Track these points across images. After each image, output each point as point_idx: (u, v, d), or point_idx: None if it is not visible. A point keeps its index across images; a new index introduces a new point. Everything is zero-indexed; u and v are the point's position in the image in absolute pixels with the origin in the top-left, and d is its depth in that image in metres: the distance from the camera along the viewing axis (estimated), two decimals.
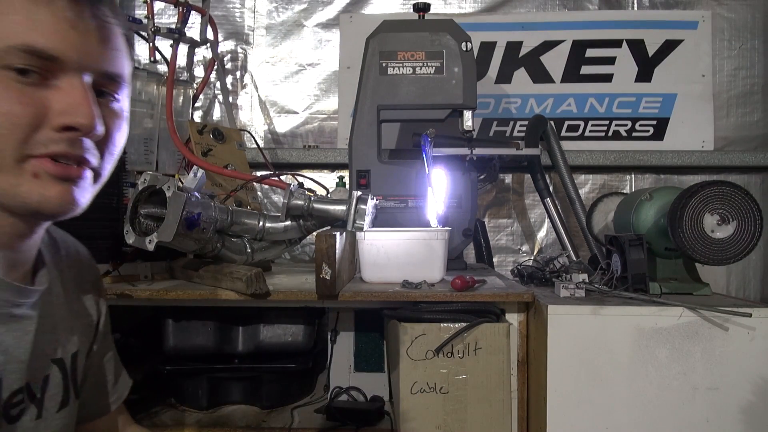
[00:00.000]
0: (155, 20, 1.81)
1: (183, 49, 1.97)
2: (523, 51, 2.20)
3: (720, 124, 2.18)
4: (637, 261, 1.25)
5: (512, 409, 1.23)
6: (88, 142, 0.57)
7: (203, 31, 2.00)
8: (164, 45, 1.88)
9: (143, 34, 1.81)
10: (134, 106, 1.62)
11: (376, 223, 1.37)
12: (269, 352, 1.39)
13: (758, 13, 2.20)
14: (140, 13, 1.86)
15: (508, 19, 2.22)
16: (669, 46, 2.18)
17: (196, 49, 2.07)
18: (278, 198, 2.21)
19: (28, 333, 0.61)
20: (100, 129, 0.57)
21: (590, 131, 2.19)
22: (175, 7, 1.91)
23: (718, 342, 1.08)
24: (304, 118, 2.26)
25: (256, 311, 1.37)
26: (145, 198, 1.18)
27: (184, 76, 2.03)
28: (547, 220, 2.13)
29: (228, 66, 2.27)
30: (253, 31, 2.27)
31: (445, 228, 1.39)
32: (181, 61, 2.01)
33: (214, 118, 2.26)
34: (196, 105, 2.16)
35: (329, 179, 2.12)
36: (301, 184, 1.43)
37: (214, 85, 2.24)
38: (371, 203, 1.32)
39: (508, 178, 2.22)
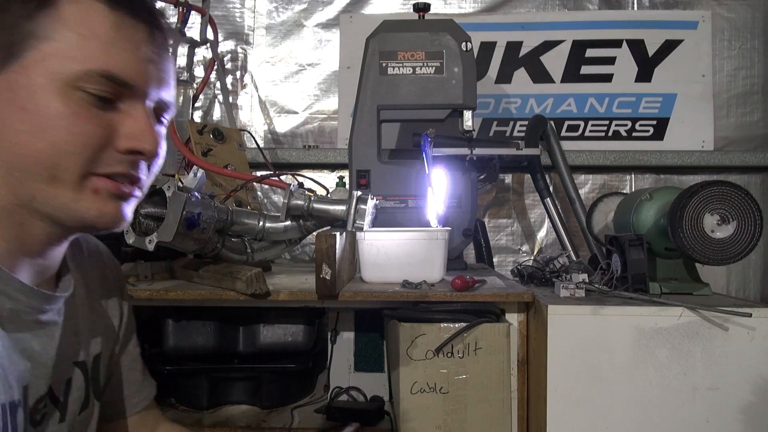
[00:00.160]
0: None
1: (183, 49, 1.97)
2: (523, 51, 2.20)
3: (720, 124, 2.18)
4: (637, 261, 1.25)
5: (512, 409, 1.23)
6: (143, 164, 0.60)
7: (203, 31, 2.00)
8: None
9: None
10: None
11: (376, 223, 1.37)
12: (269, 352, 1.39)
13: (758, 13, 2.19)
14: None
15: (508, 19, 2.22)
16: (669, 46, 2.18)
17: (196, 49, 2.07)
18: (278, 198, 2.21)
19: (53, 338, 0.61)
20: (162, 154, 0.61)
21: (590, 131, 2.19)
22: (175, 7, 1.91)
23: (718, 342, 1.08)
24: (304, 118, 2.26)
25: (256, 311, 1.37)
26: (145, 198, 1.18)
27: (184, 76, 2.03)
28: (547, 220, 2.13)
29: (228, 66, 2.27)
30: (253, 31, 2.27)
31: (445, 228, 1.39)
32: (181, 61, 2.01)
33: (214, 118, 2.26)
34: (196, 105, 2.16)
35: (329, 179, 2.12)
36: (301, 184, 1.43)
37: (214, 85, 2.24)
38: (371, 203, 1.32)
39: (508, 178, 2.22)
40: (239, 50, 2.27)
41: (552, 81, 2.20)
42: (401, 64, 1.64)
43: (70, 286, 0.66)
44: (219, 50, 2.15)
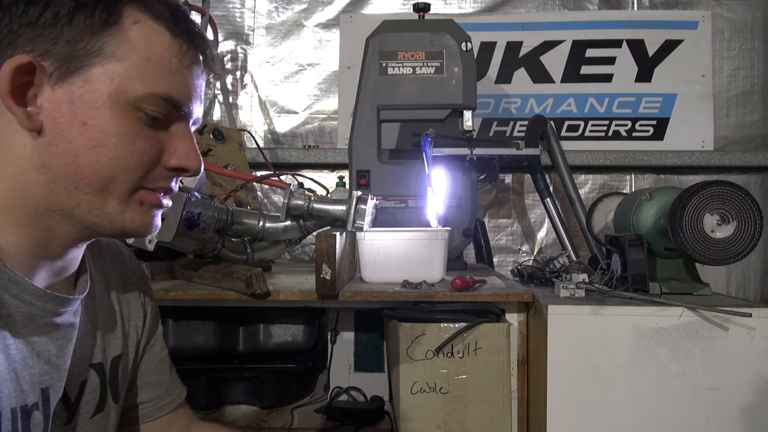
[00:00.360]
0: None
1: None
2: (523, 51, 2.21)
3: (720, 124, 2.18)
4: (637, 261, 1.25)
5: (512, 409, 1.23)
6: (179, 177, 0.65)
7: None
8: None
9: None
10: None
11: (376, 223, 1.37)
12: (269, 352, 1.39)
13: (758, 13, 2.20)
14: None
15: (508, 19, 2.22)
16: (669, 46, 2.18)
17: None
18: (278, 198, 2.21)
19: (70, 340, 0.61)
20: (202, 171, 0.66)
21: (590, 131, 2.19)
22: None
23: (718, 342, 1.08)
24: (304, 118, 2.27)
25: (256, 311, 1.37)
26: None
27: None
28: (547, 220, 2.13)
29: (228, 66, 2.27)
30: (253, 31, 2.27)
31: (445, 228, 1.39)
32: None
33: (214, 118, 2.26)
34: None
35: (329, 179, 2.12)
36: (301, 184, 1.43)
37: (214, 85, 2.24)
38: (371, 203, 1.32)
39: (508, 178, 2.22)
40: (239, 50, 2.27)
41: (552, 81, 2.20)
42: (401, 64, 1.64)
43: (86, 286, 0.66)
44: (219, 50, 2.15)
